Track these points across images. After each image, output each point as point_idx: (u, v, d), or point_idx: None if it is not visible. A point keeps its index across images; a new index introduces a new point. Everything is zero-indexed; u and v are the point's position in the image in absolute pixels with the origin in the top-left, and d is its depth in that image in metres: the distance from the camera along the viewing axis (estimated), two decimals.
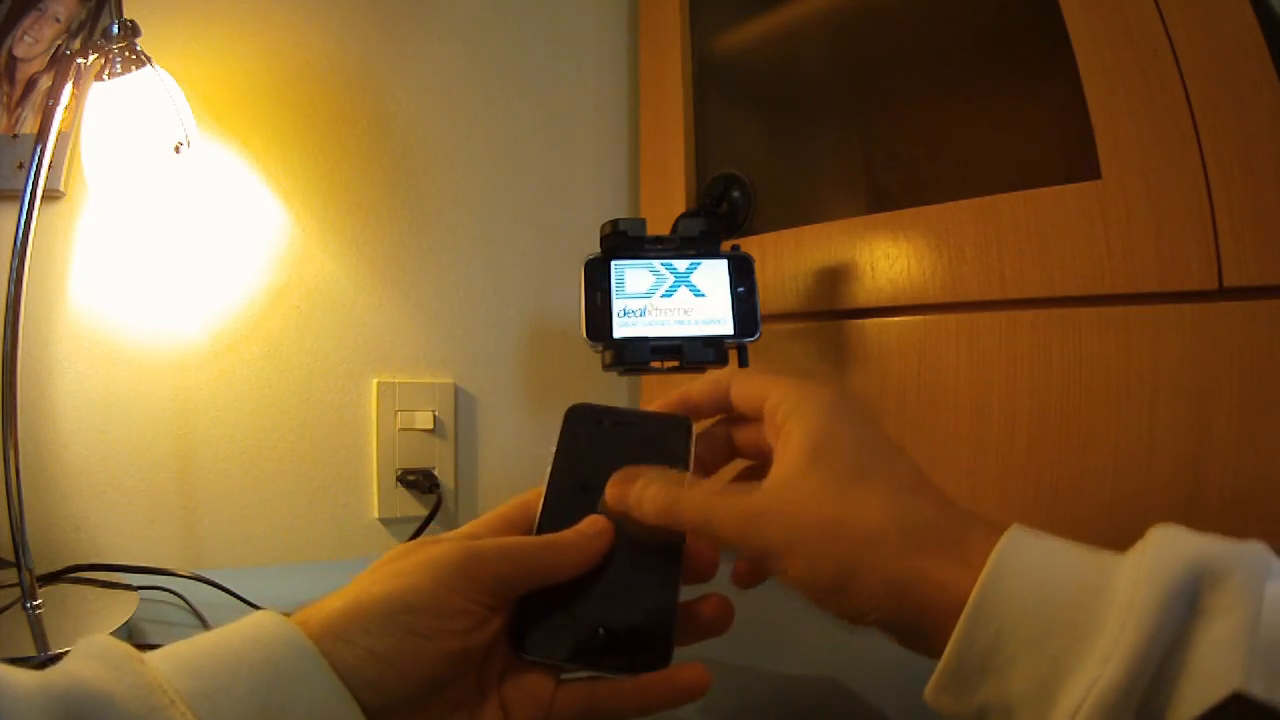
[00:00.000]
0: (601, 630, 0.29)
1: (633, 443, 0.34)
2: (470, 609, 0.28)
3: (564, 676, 0.30)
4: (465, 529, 0.32)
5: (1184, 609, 0.22)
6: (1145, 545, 0.24)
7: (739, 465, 0.37)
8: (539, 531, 0.32)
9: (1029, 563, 0.25)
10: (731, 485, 0.32)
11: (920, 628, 0.26)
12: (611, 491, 0.32)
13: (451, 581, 0.27)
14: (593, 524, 0.32)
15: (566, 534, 0.31)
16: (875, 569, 0.26)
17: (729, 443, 0.36)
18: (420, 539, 0.31)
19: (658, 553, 0.31)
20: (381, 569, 0.28)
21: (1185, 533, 0.24)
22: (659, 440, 0.34)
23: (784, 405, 0.31)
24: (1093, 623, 0.23)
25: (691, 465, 0.34)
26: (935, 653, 0.26)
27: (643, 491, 0.31)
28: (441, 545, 0.29)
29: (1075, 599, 0.23)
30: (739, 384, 0.34)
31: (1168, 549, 0.23)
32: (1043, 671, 0.23)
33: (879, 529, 0.27)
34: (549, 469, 0.34)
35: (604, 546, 0.31)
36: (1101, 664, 0.22)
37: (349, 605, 0.27)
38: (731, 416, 0.36)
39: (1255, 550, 0.23)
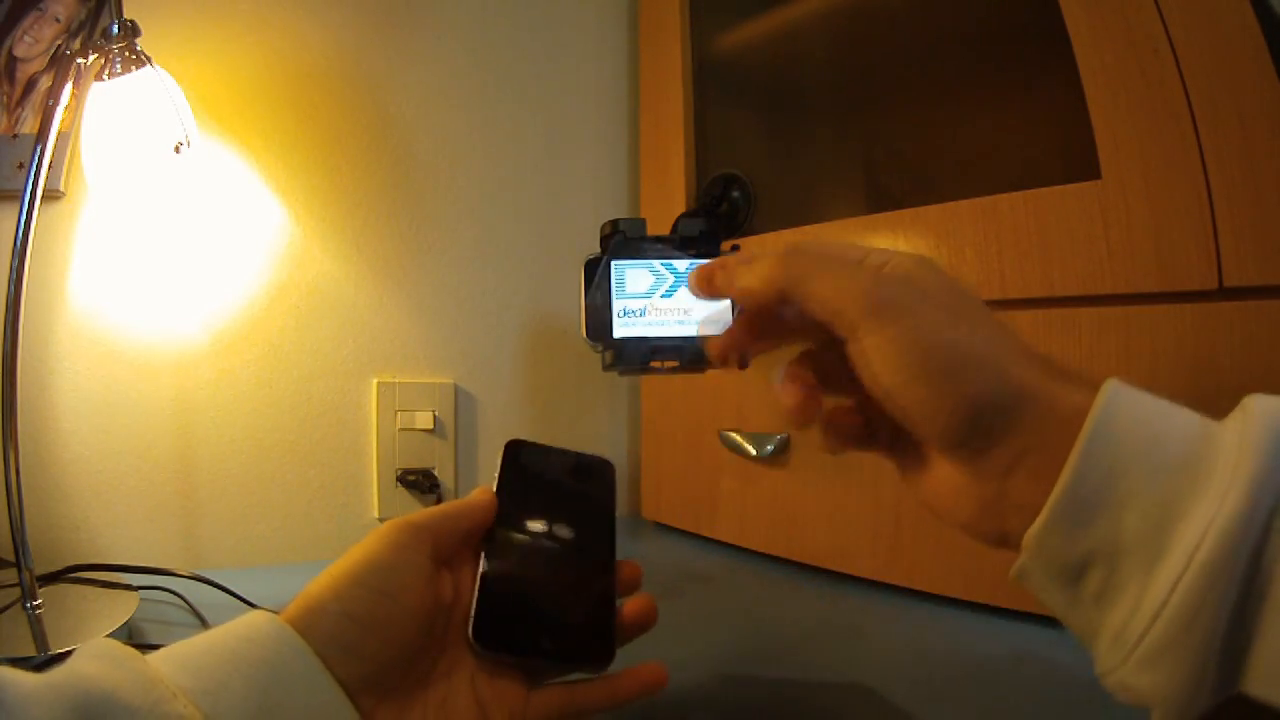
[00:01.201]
0: (546, 632, 0.33)
1: (567, 477, 0.40)
2: (419, 562, 0.31)
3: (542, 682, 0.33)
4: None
5: None
6: (1244, 404, 0.24)
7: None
8: (487, 559, 0.35)
9: (1136, 405, 0.24)
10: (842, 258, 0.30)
11: (1017, 436, 0.25)
12: (700, 275, 0.35)
13: (402, 541, 0.31)
14: (479, 491, 0.37)
15: (465, 500, 0.36)
16: (997, 359, 0.25)
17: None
18: None
19: (595, 563, 0.36)
20: (350, 550, 0.31)
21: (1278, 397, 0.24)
22: (588, 474, 0.41)
23: (878, 254, 0.29)
24: (1205, 465, 0.22)
25: (613, 502, 0.40)
26: (1012, 474, 0.25)
27: (750, 258, 0.31)
28: (387, 522, 0.33)
29: (1186, 442, 0.23)
30: (798, 284, 0.29)
31: (1267, 401, 0.23)
32: (1156, 512, 0.22)
33: (999, 336, 0.26)
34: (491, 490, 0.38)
35: (486, 509, 0.36)
36: (1218, 501, 0.21)
37: (321, 580, 0.29)
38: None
39: None
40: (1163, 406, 0.24)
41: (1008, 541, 0.26)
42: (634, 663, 0.34)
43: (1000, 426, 0.25)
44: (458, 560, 0.35)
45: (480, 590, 0.33)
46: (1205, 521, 0.21)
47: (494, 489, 0.37)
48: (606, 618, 0.34)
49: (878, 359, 0.26)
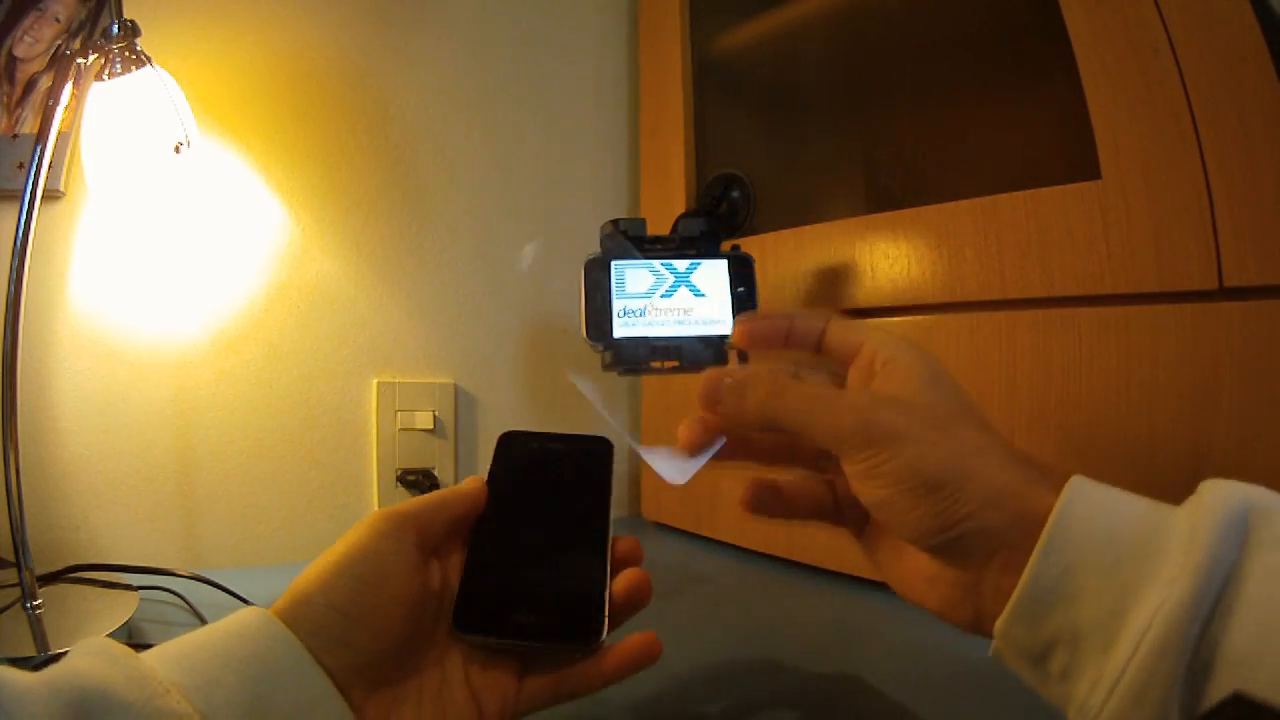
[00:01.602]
0: (532, 610, 0.32)
1: (559, 460, 0.40)
2: (404, 551, 0.31)
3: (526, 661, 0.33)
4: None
5: (1237, 539, 0.23)
6: (1199, 490, 0.25)
7: None
8: (472, 546, 0.35)
9: (1096, 501, 0.26)
10: (834, 389, 0.33)
11: (997, 542, 0.27)
12: (705, 384, 0.34)
13: (386, 530, 0.31)
14: (469, 480, 0.37)
15: (448, 490, 0.36)
16: (981, 473, 0.27)
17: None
18: None
19: (587, 541, 0.35)
20: (336, 543, 0.32)
21: (1235, 482, 0.25)
22: (584, 456, 0.40)
23: (884, 349, 0.32)
24: (1157, 553, 0.24)
25: (613, 483, 0.39)
26: (985, 575, 0.28)
27: (740, 386, 0.33)
28: (372, 513, 0.33)
29: (1141, 533, 0.25)
30: (837, 327, 0.35)
31: (1220, 490, 0.25)
32: (1111, 598, 0.24)
33: (988, 442, 0.29)
34: (487, 483, 0.38)
35: (475, 495, 0.36)
36: (1168, 586, 0.23)
37: (307, 573, 0.30)
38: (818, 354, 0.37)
39: None
40: (1119, 502, 0.26)
41: (980, 627, 0.29)
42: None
43: (980, 540, 0.28)
44: (447, 549, 0.35)
45: (464, 576, 0.33)
46: (1154, 606, 0.23)
47: (488, 479, 0.37)
48: (594, 595, 0.33)
49: (872, 479, 0.29)
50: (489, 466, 0.38)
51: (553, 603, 0.33)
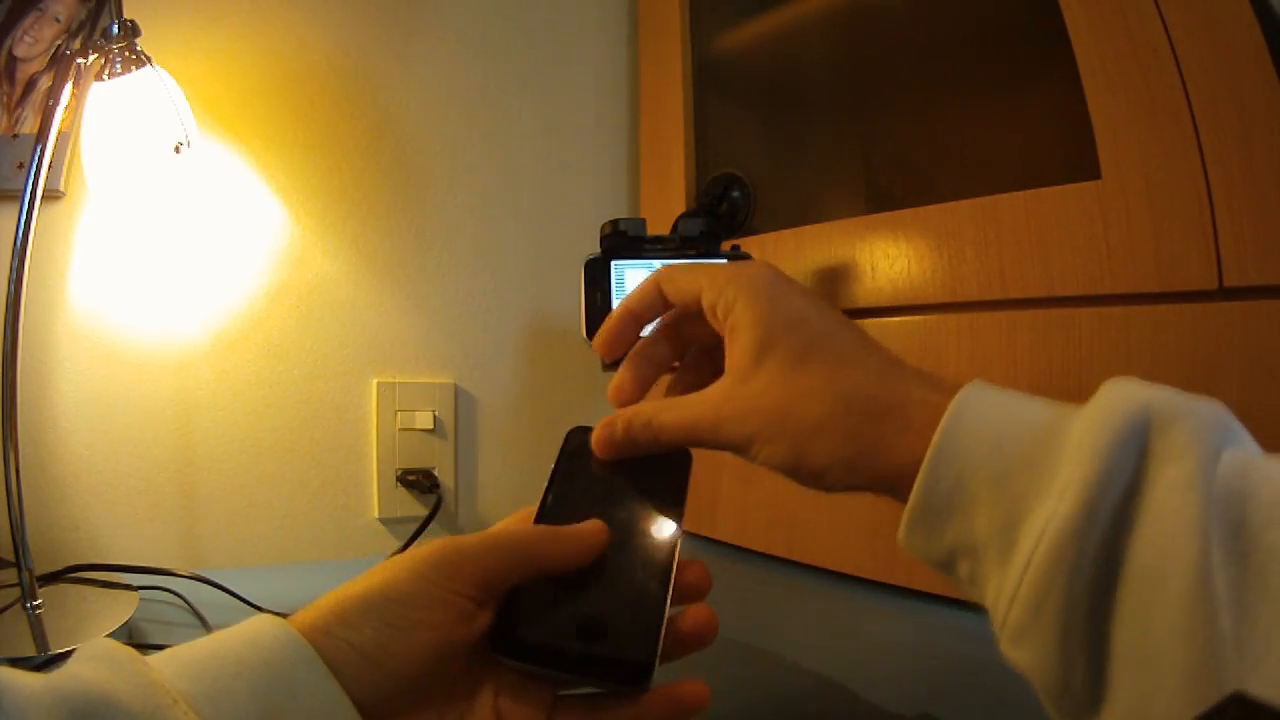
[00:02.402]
0: (579, 637, 0.29)
1: (631, 467, 0.35)
2: (449, 599, 0.28)
3: (561, 693, 0.30)
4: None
5: (1136, 450, 0.23)
6: (1098, 393, 0.25)
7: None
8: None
9: (987, 410, 0.26)
10: (686, 397, 0.34)
11: (881, 487, 0.28)
12: (600, 434, 0.35)
13: (429, 573, 0.28)
14: (591, 528, 0.32)
15: (562, 527, 0.31)
16: (825, 448, 0.28)
17: (679, 339, 0.38)
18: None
19: (649, 565, 0.31)
20: (372, 570, 0.29)
21: (1137, 383, 0.25)
22: (658, 466, 0.35)
23: (721, 300, 0.33)
24: (1050, 462, 0.23)
25: (685, 498, 0.34)
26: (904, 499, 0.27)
27: (625, 427, 0.34)
28: (430, 543, 0.29)
29: (1033, 442, 0.24)
30: (667, 282, 0.35)
31: (1117, 395, 0.24)
32: (1004, 510, 0.24)
33: (824, 412, 0.29)
34: (545, 488, 0.34)
35: (597, 546, 0.31)
36: (1058, 498, 0.22)
37: (331, 600, 0.27)
38: (676, 314, 0.37)
39: (1209, 403, 0.24)
40: (1017, 405, 0.26)
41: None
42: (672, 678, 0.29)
43: (844, 479, 0.29)
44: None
45: (509, 591, 0.30)
46: (1044, 520, 0.23)
47: (549, 480, 0.34)
48: (653, 630, 0.29)
49: (763, 465, 0.31)
50: (552, 466, 0.35)
51: (606, 634, 0.29)
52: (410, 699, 0.27)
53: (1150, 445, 0.23)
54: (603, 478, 0.35)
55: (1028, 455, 0.24)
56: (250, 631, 0.26)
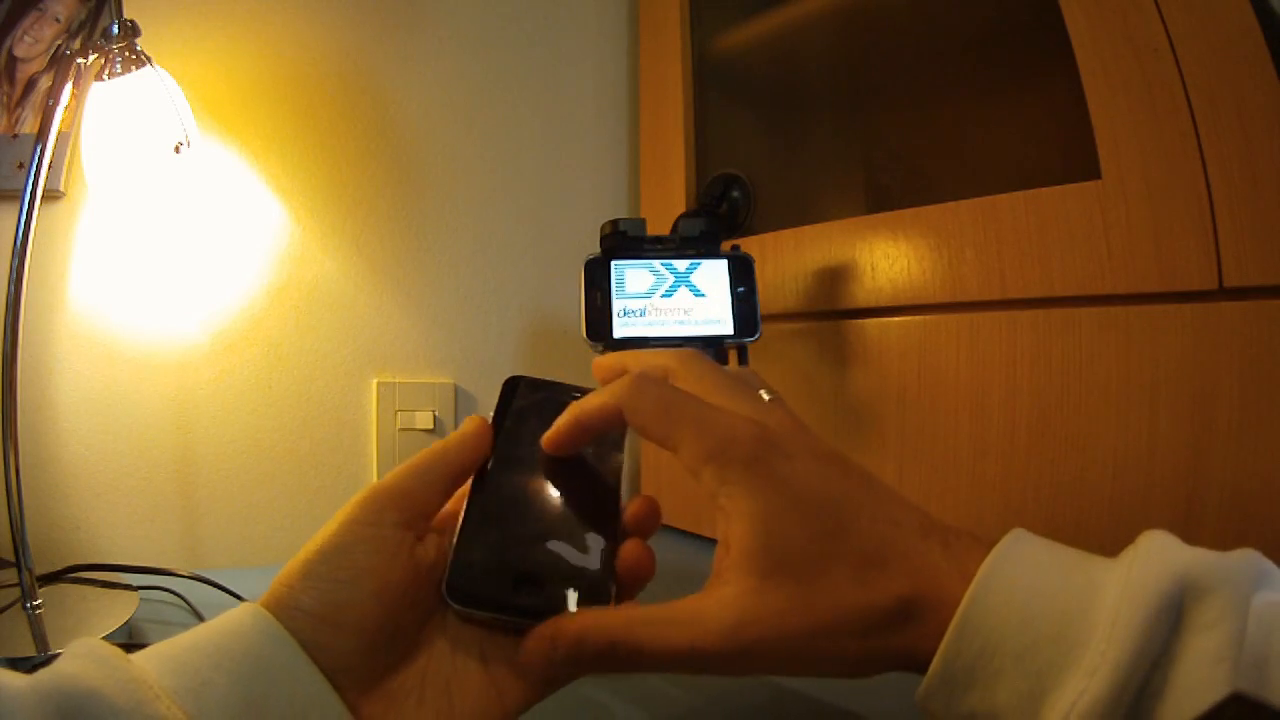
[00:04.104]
0: (532, 580, 0.29)
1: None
2: (383, 536, 0.28)
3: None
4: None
5: (1169, 623, 0.22)
6: (1133, 556, 0.24)
7: None
8: (470, 503, 0.31)
9: (1015, 576, 0.25)
10: (672, 610, 0.28)
11: (896, 665, 0.27)
12: (532, 643, 0.28)
13: (357, 515, 0.29)
14: (470, 420, 0.32)
15: (449, 437, 0.32)
16: (845, 653, 0.27)
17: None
18: None
19: (594, 510, 0.31)
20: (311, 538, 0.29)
21: (1174, 543, 0.24)
22: None
23: (711, 472, 0.28)
24: (1079, 637, 0.23)
25: (624, 439, 0.34)
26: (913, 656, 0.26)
27: (570, 626, 0.28)
28: (351, 498, 0.30)
29: (1062, 613, 0.24)
30: (634, 415, 0.30)
31: (1154, 562, 0.23)
32: (1029, 684, 0.23)
33: (844, 624, 0.26)
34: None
35: (480, 439, 0.32)
36: (1087, 677, 0.22)
37: (283, 574, 0.28)
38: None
39: (1245, 560, 0.23)
40: (1047, 570, 0.25)
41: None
42: None
43: (864, 670, 0.27)
44: (449, 512, 0.31)
45: (459, 540, 0.29)
46: (1073, 698, 0.22)
47: (492, 424, 0.33)
48: (604, 571, 0.30)
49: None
50: (491, 414, 0.34)
51: (558, 577, 0.29)
52: (382, 659, 0.27)
53: (1184, 617, 0.22)
54: (545, 421, 0.33)
55: (1056, 628, 0.23)
56: (229, 622, 0.27)
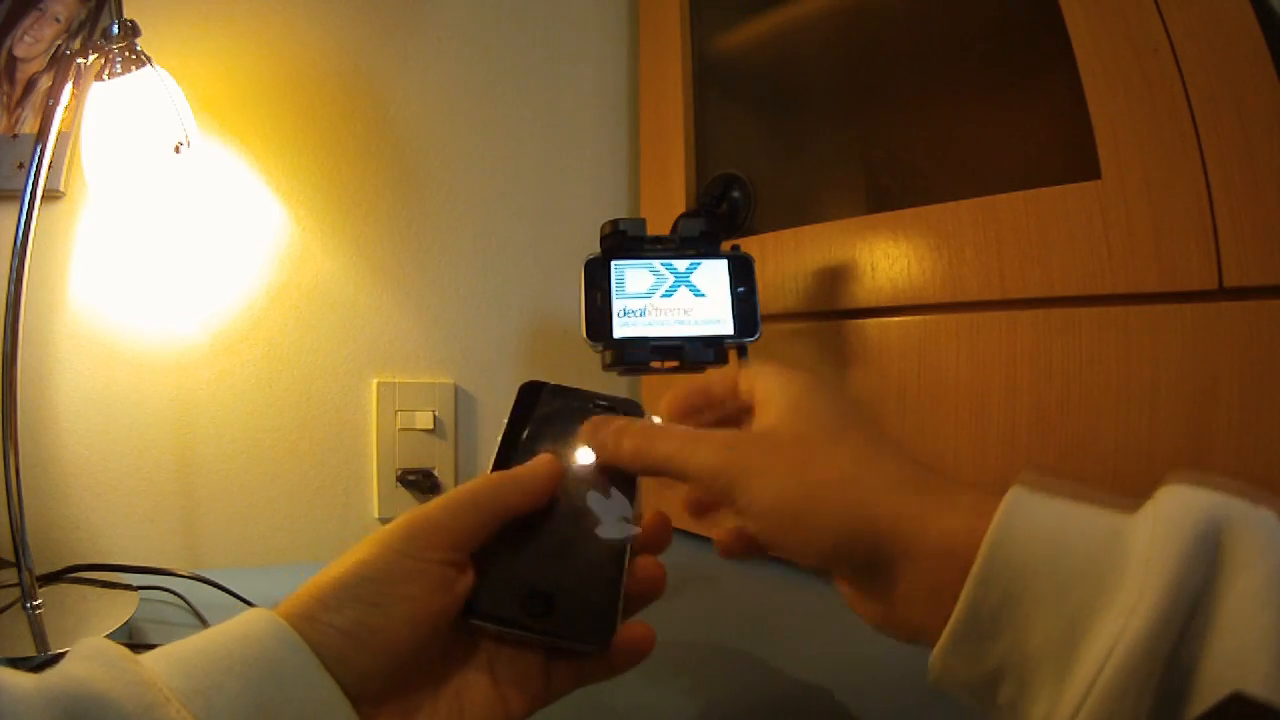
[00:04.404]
0: (547, 602, 0.29)
1: (582, 420, 0.35)
2: (423, 569, 0.28)
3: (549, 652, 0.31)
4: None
5: (1206, 560, 0.21)
6: (1159, 498, 0.23)
7: None
8: None
9: (1039, 514, 0.24)
10: (706, 429, 0.32)
11: (889, 569, 0.26)
12: (585, 431, 0.33)
13: (399, 545, 0.28)
14: (541, 461, 0.32)
15: (516, 469, 0.32)
16: (845, 501, 0.27)
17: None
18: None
19: (612, 520, 0.32)
20: (347, 553, 0.29)
21: (1198, 488, 0.23)
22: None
23: (758, 382, 0.33)
24: (1113, 574, 0.22)
25: None
26: (898, 600, 0.26)
27: (618, 432, 0.32)
28: (398, 518, 0.30)
29: (1092, 551, 0.23)
30: (741, 376, 0.35)
31: (1183, 501, 0.23)
32: (1062, 626, 0.22)
33: (853, 470, 0.28)
34: (498, 441, 0.34)
35: (553, 478, 0.32)
36: (1126, 616, 0.21)
37: (312, 586, 0.27)
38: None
39: (1269, 513, 0.23)
40: (1068, 511, 0.24)
41: (920, 640, 0.27)
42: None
43: (867, 561, 0.27)
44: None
45: (480, 554, 0.30)
46: (1113, 637, 0.21)
47: (502, 435, 0.33)
48: (613, 589, 0.30)
49: (745, 516, 0.29)
50: (506, 420, 0.34)
51: (571, 596, 0.30)
52: (403, 675, 0.28)
53: (1221, 554, 0.21)
54: (564, 431, 0.34)
55: (1086, 566, 0.22)
56: (241, 626, 0.26)
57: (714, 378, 0.36)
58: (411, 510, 0.29)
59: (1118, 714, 0.21)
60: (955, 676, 0.25)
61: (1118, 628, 0.21)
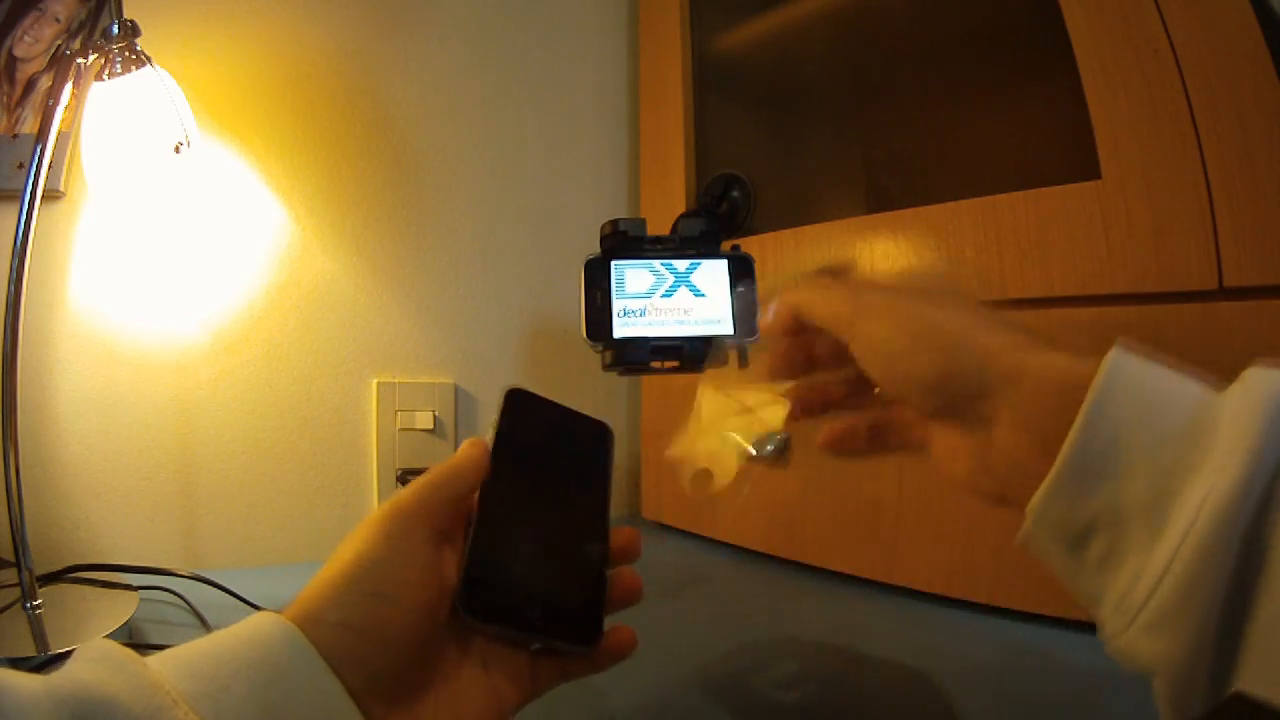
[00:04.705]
0: (539, 598, 0.31)
1: (566, 437, 0.38)
2: (416, 551, 0.29)
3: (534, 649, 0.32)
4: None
5: None
6: (1244, 377, 0.24)
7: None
8: (480, 520, 0.32)
9: (1140, 373, 0.25)
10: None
11: (993, 397, 0.27)
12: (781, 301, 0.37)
13: (391, 530, 0.29)
14: (472, 445, 0.34)
15: (456, 458, 0.34)
16: (952, 333, 0.29)
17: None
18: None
19: (589, 533, 0.34)
20: (339, 550, 0.30)
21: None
22: (587, 438, 0.38)
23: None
24: (1205, 435, 0.23)
25: (611, 469, 0.37)
26: (996, 436, 0.28)
27: (778, 300, 0.37)
28: (375, 511, 0.31)
29: (1187, 412, 0.23)
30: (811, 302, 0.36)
31: (1267, 377, 0.23)
32: (1159, 480, 0.23)
33: (959, 315, 0.30)
34: (489, 441, 0.35)
35: (484, 466, 0.34)
36: (1216, 473, 0.22)
37: (317, 586, 0.28)
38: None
39: None
40: (1166, 375, 0.25)
41: (1006, 501, 0.28)
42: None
43: (971, 390, 0.28)
44: (455, 529, 0.32)
45: (471, 555, 0.31)
46: (1202, 495, 0.21)
47: (488, 438, 0.35)
48: (598, 593, 0.32)
49: (861, 352, 0.32)
50: (494, 423, 0.36)
51: (561, 598, 0.32)
52: (406, 672, 0.28)
53: None
54: (545, 443, 0.36)
55: (1182, 426, 0.23)
56: (248, 629, 0.26)
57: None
58: (385, 503, 0.31)
59: (1207, 572, 0.21)
60: (1051, 524, 0.25)
61: (1207, 486, 0.21)
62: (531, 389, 0.38)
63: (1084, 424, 0.24)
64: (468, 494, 0.33)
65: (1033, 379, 0.26)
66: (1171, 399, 0.24)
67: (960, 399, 0.29)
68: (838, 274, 0.39)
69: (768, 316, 0.38)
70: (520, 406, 0.37)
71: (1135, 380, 0.24)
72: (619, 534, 0.35)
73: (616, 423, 0.40)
